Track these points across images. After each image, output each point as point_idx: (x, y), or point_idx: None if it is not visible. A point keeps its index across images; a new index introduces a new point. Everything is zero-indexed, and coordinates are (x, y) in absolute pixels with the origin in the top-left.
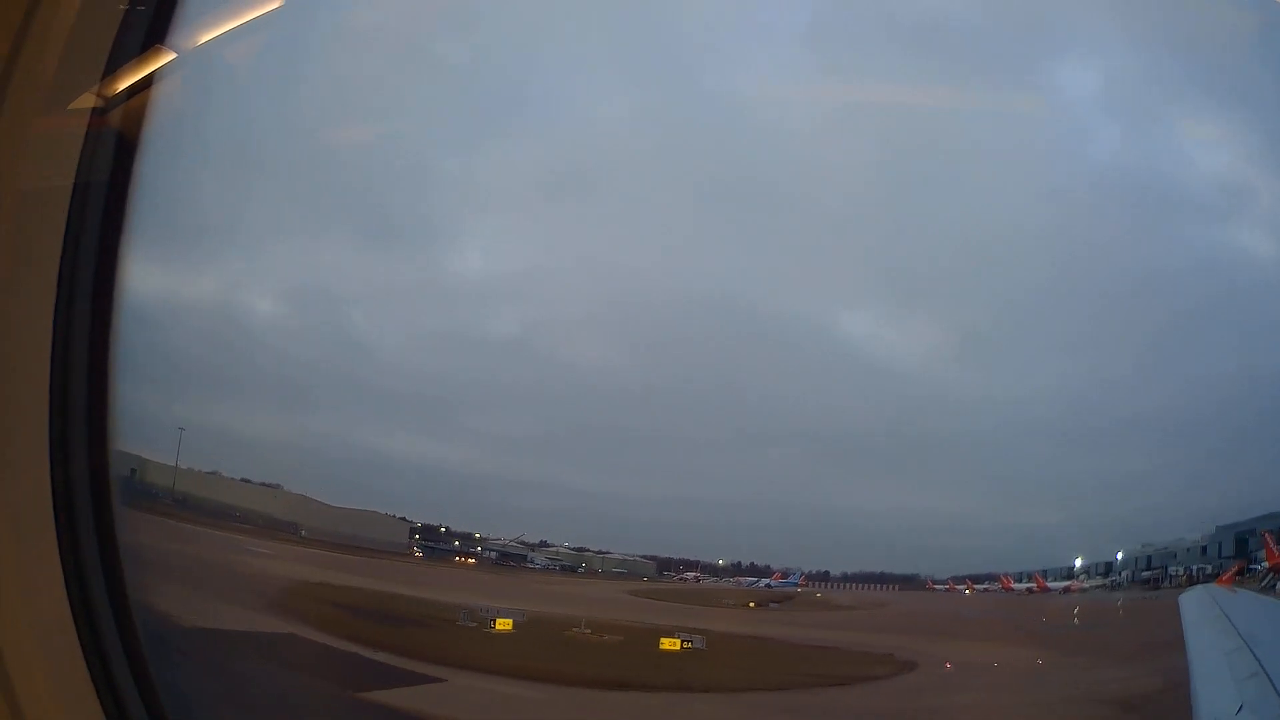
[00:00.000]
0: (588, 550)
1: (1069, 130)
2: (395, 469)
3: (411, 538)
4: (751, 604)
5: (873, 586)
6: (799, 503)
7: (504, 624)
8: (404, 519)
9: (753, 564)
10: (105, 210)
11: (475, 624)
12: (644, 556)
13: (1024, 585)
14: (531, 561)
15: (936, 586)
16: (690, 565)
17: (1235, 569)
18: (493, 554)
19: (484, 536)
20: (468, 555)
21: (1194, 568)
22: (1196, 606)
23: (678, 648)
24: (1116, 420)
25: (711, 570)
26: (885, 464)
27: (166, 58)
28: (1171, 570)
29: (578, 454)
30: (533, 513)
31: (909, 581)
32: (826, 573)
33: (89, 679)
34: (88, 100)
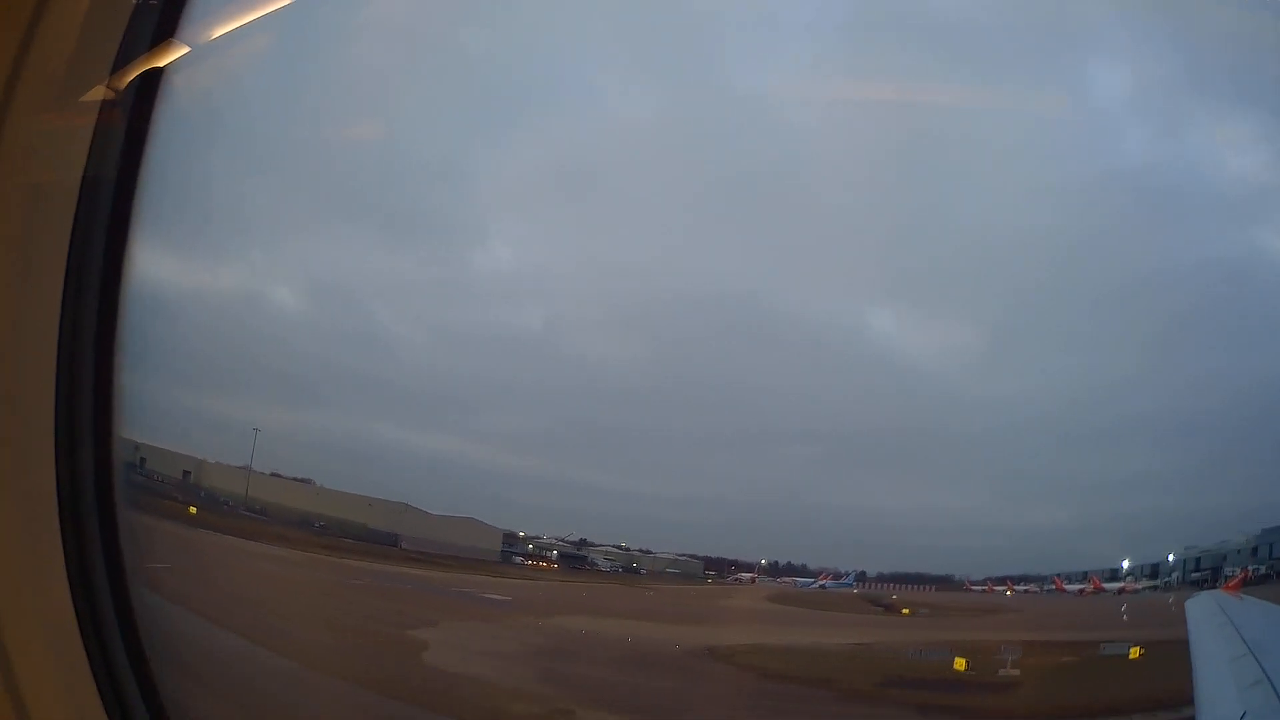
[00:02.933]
0: (632, 549)
1: (1087, 129)
2: (412, 464)
3: (505, 545)
4: (906, 610)
5: (915, 588)
6: (816, 502)
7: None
8: (503, 527)
9: (789, 563)
10: (114, 205)
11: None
12: (689, 555)
13: (1077, 586)
14: (593, 563)
15: (974, 588)
16: (742, 566)
17: (1242, 576)
18: (554, 556)
19: (525, 535)
20: (546, 560)
21: (1251, 568)
22: (1202, 612)
23: None
24: (1141, 419)
25: (753, 569)
26: (902, 462)
27: (178, 51)
28: (1227, 572)
29: (591, 451)
30: (545, 510)
31: (945, 582)
32: (863, 573)
33: (92, 678)
34: (97, 94)
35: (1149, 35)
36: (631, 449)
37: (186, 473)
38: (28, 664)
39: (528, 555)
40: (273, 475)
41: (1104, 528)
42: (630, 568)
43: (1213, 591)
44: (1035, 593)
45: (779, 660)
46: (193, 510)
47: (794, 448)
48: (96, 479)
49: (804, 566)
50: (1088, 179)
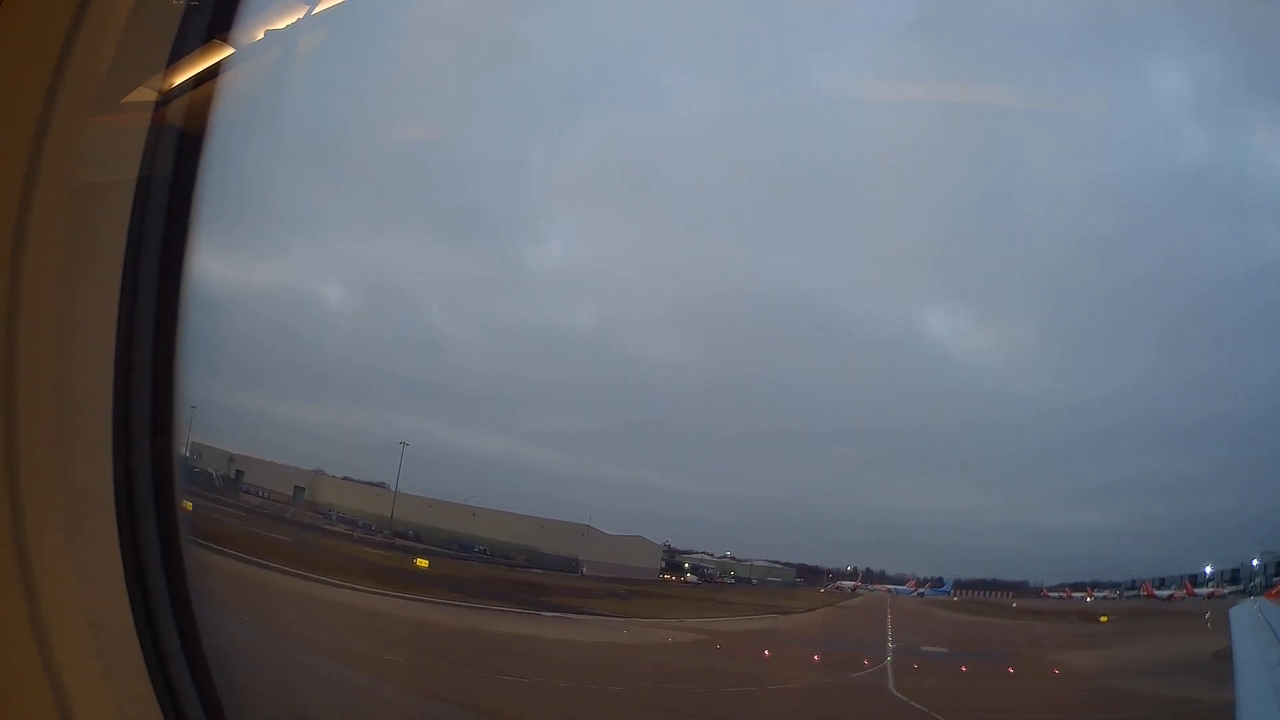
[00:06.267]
0: (714, 555)
1: (1144, 133)
2: (468, 464)
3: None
4: (1104, 618)
5: (991, 594)
6: (864, 503)
7: None
8: (664, 543)
9: (867, 569)
10: (171, 204)
11: None
12: (782, 563)
13: (1167, 591)
14: (710, 574)
15: (1050, 594)
16: (837, 574)
17: None
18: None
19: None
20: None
21: None
22: (1245, 620)
23: None
24: (1193, 424)
25: (841, 575)
26: (960, 465)
27: (233, 48)
28: None
29: (646, 451)
30: (600, 510)
31: (1020, 588)
32: (941, 579)
33: (146, 676)
34: (150, 93)
35: (1210, 40)
36: (688, 449)
37: (299, 488)
38: (79, 670)
39: (685, 571)
40: (345, 479)
41: (1169, 533)
42: (744, 578)
43: (1256, 599)
44: (1113, 598)
45: None
46: (418, 561)
47: (847, 448)
48: (155, 481)
49: (881, 573)
50: (1144, 182)
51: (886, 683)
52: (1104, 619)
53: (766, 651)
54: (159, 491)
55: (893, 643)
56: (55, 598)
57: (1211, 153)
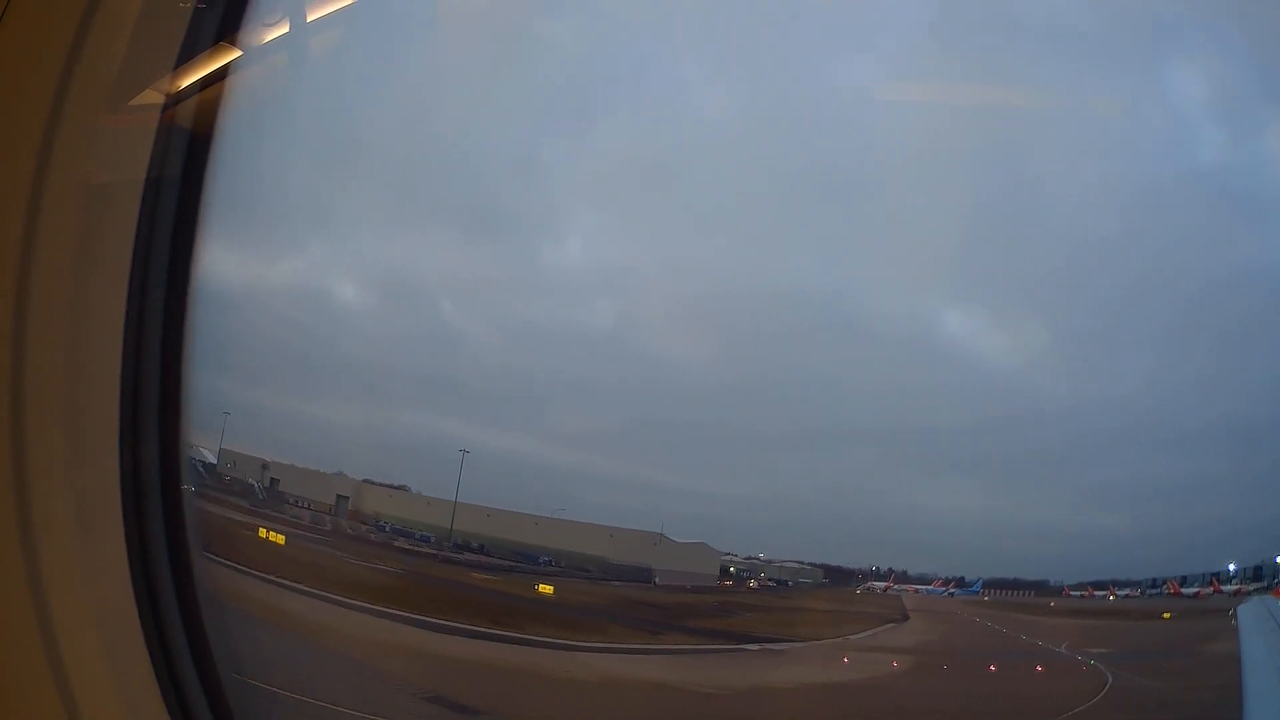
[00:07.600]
0: (739, 556)
1: (1163, 133)
2: (486, 464)
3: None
4: (1166, 615)
5: (1012, 593)
6: (890, 503)
7: None
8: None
9: (889, 569)
10: (180, 204)
11: None
12: (810, 564)
13: (1193, 589)
14: (747, 575)
15: (1072, 593)
16: (866, 574)
17: None
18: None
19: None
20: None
21: None
22: (1252, 618)
23: None
24: (1211, 422)
25: (870, 575)
26: (978, 464)
27: (242, 49)
28: None
29: (662, 450)
30: (617, 509)
31: (1041, 587)
32: (962, 578)
33: (153, 676)
34: (159, 95)
35: (1226, 39)
36: (703, 448)
37: (342, 497)
38: (84, 667)
39: (744, 578)
40: (365, 481)
41: (1186, 531)
42: (780, 580)
43: (1263, 598)
44: (1135, 596)
45: None
46: (540, 587)
47: (868, 448)
48: (163, 479)
49: (904, 572)
50: (1161, 181)
51: (1153, 684)
52: (1167, 615)
53: (992, 667)
54: (166, 489)
55: (1055, 647)
56: (61, 594)
57: (1228, 152)
